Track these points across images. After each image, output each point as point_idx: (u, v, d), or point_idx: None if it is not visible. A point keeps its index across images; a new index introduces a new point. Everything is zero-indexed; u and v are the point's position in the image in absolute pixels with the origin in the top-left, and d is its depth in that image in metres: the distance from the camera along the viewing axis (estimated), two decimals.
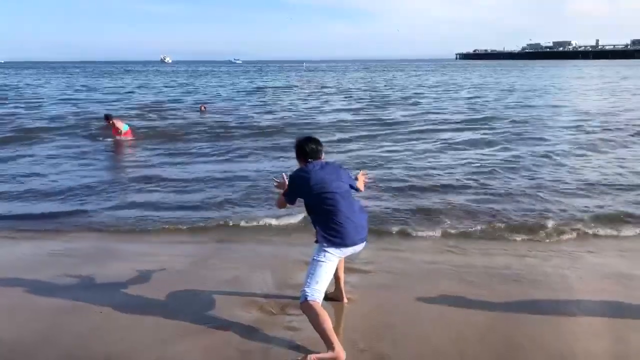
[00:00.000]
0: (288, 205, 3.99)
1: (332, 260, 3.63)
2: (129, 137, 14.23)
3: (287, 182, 3.95)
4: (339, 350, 3.40)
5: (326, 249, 3.61)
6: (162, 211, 7.37)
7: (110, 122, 14.23)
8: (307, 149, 3.86)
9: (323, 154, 3.93)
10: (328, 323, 3.45)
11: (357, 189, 4.06)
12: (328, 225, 3.62)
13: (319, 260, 3.60)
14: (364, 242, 3.79)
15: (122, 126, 14.27)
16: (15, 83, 45.74)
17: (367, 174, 4.38)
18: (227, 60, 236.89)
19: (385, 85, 40.68)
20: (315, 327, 3.45)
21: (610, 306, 4.20)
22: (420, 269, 5.05)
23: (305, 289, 3.52)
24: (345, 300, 4.28)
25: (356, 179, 4.13)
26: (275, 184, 4.17)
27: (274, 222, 6.62)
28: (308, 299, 3.47)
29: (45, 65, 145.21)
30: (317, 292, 3.51)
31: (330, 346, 3.41)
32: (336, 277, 4.18)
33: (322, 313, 3.45)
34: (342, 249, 3.65)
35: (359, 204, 3.89)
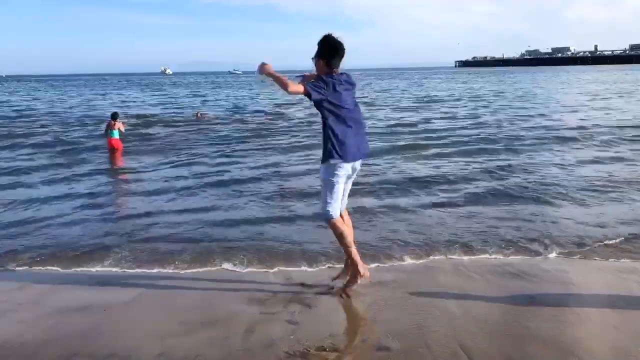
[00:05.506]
0: (299, 94, 3.72)
1: (343, 177, 4.01)
2: (113, 147, 12.59)
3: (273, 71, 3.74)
4: (363, 268, 4.10)
5: (338, 166, 3.92)
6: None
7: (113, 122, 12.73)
8: (338, 50, 3.86)
9: None
10: (350, 238, 4.08)
11: None
12: (340, 140, 3.87)
13: (333, 181, 3.97)
14: (365, 157, 4.16)
15: (110, 131, 12.59)
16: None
17: None
18: (227, 71, 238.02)
19: None
20: (341, 242, 4.05)
21: (605, 298, 4.26)
22: (419, 266, 5.10)
23: (328, 208, 3.98)
24: (345, 296, 4.30)
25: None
26: (260, 69, 3.76)
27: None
28: (333, 218, 3.99)
29: (46, 78, 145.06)
30: (337, 210, 4.03)
31: (354, 264, 4.07)
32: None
33: (344, 229, 4.04)
34: (350, 163, 3.99)
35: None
